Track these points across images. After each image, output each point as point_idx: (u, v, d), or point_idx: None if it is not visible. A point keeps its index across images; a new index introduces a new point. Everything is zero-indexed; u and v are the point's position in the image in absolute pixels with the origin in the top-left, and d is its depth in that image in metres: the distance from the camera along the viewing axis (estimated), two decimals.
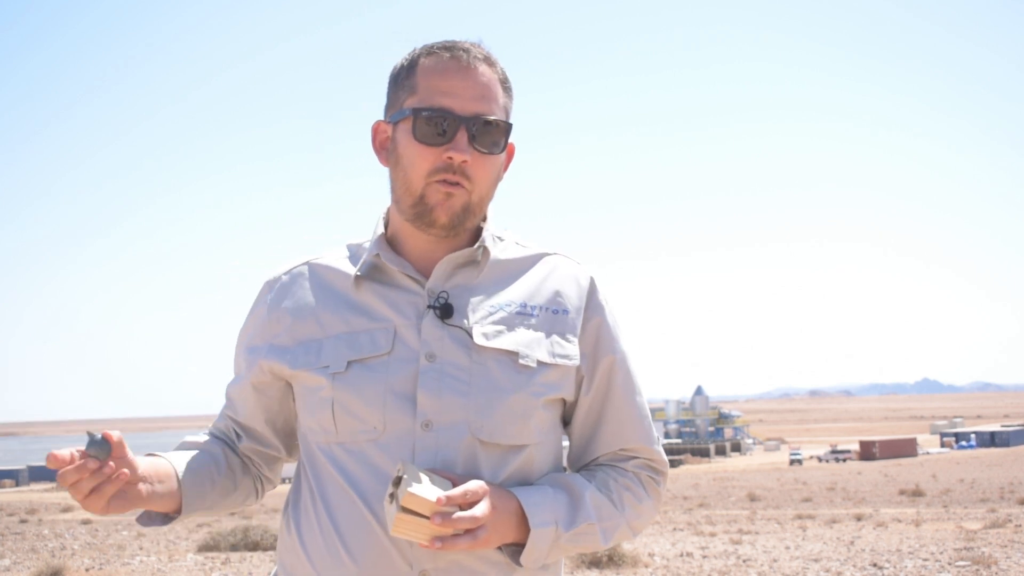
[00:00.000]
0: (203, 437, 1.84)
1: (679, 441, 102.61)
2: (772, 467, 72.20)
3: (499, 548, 1.61)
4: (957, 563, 12.05)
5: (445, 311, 1.66)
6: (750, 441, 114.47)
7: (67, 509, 39.88)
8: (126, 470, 1.50)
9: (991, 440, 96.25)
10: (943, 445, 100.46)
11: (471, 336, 1.65)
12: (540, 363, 1.67)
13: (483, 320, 1.67)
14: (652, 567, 12.52)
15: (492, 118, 1.66)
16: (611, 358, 1.76)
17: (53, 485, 72.36)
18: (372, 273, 1.73)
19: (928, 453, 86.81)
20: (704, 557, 13.95)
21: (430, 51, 1.69)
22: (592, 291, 1.77)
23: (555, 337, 1.70)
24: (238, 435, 1.85)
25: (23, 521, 28.96)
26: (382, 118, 1.76)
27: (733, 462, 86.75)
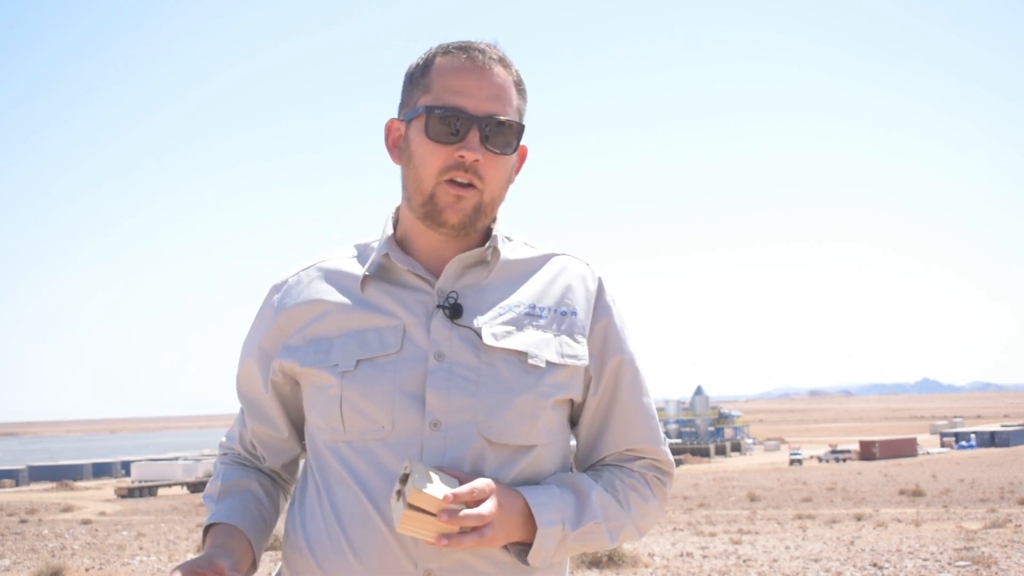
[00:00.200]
0: (237, 476, 1.84)
1: (679, 441, 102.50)
2: (772, 467, 72.20)
3: (505, 547, 1.62)
4: (957, 563, 12.05)
5: (454, 311, 1.67)
6: (750, 441, 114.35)
7: (67, 509, 39.89)
8: None
9: (991, 440, 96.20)
10: (943, 445, 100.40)
11: (480, 336, 1.66)
12: (549, 363, 1.67)
13: (492, 320, 1.68)
14: (652, 567, 12.53)
15: (505, 118, 1.66)
16: (619, 358, 1.76)
17: (53, 485, 72.36)
18: (381, 273, 1.73)
19: (928, 453, 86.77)
20: (704, 557, 13.95)
21: (446, 51, 1.70)
22: (600, 292, 1.78)
23: (563, 337, 1.71)
24: (262, 456, 1.87)
25: (23, 521, 28.96)
26: (396, 116, 1.77)
27: (733, 462, 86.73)
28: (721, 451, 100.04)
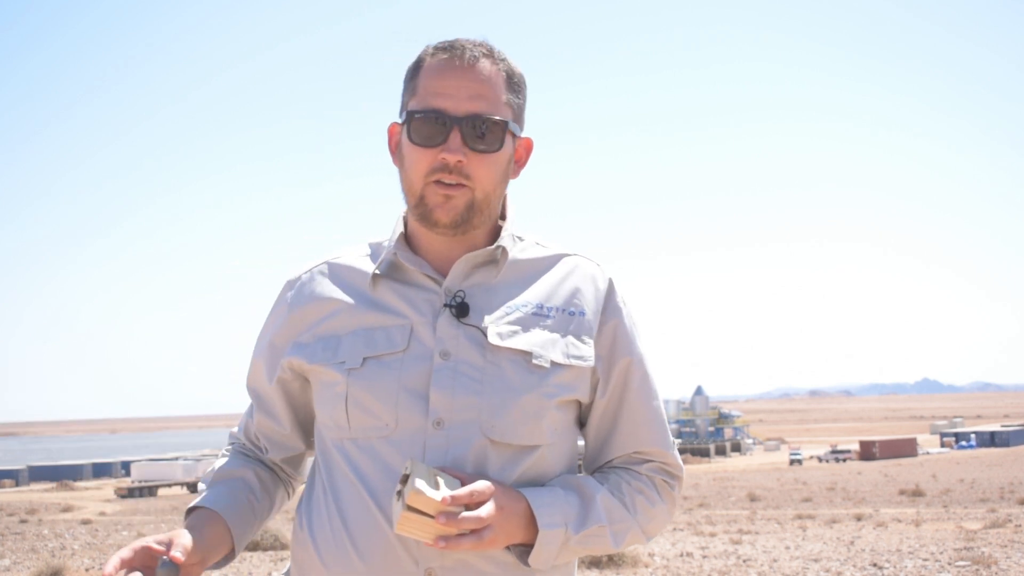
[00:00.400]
0: (234, 464, 1.85)
1: (679, 441, 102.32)
2: (772, 467, 72.19)
3: (508, 549, 1.62)
4: (957, 563, 12.05)
5: (461, 310, 1.67)
6: (750, 441, 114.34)
7: (67, 509, 39.88)
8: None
9: (991, 440, 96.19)
10: (943, 445, 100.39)
11: (486, 335, 1.66)
12: (554, 364, 1.67)
13: (499, 320, 1.68)
14: (652, 567, 12.53)
15: (487, 116, 1.65)
16: (627, 360, 1.75)
17: (53, 485, 72.38)
18: (391, 272, 1.74)
19: (928, 453, 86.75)
20: (704, 557, 13.95)
21: (432, 52, 1.70)
22: (610, 293, 1.77)
23: (570, 338, 1.70)
24: (264, 448, 1.88)
25: (23, 521, 28.94)
26: (398, 120, 1.78)
27: (733, 462, 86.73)
28: (721, 451, 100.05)
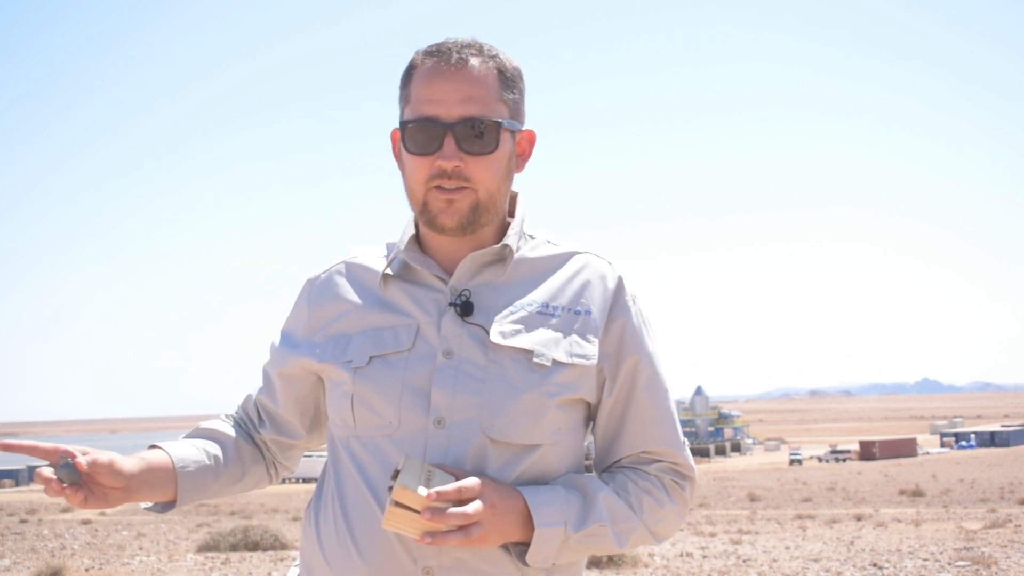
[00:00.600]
0: (219, 424, 1.91)
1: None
2: (772, 467, 72.20)
3: (507, 548, 1.62)
4: (957, 563, 12.05)
5: (465, 309, 1.68)
6: (750, 441, 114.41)
7: (67, 509, 39.86)
8: (81, 493, 1.62)
9: (991, 440, 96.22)
10: (943, 445, 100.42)
11: (488, 334, 1.67)
12: (556, 362, 1.67)
13: (502, 319, 1.68)
14: (652, 567, 12.53)
15: (479, 118, 1.65)
16: (635, 358, 1.74)
17: None
18: (401, 272, 1.76)
19: (928, 453, 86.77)
20: (704, 557, 13.95)
21: (421, 58, 1.71)
22: (619, 291, 1.76)
23: (575, 337, 1.70)
24: (261, 420, 1.92)
25: (23, 521, 28.96)
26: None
27: (733, 462, 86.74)
28: (721, 451, 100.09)
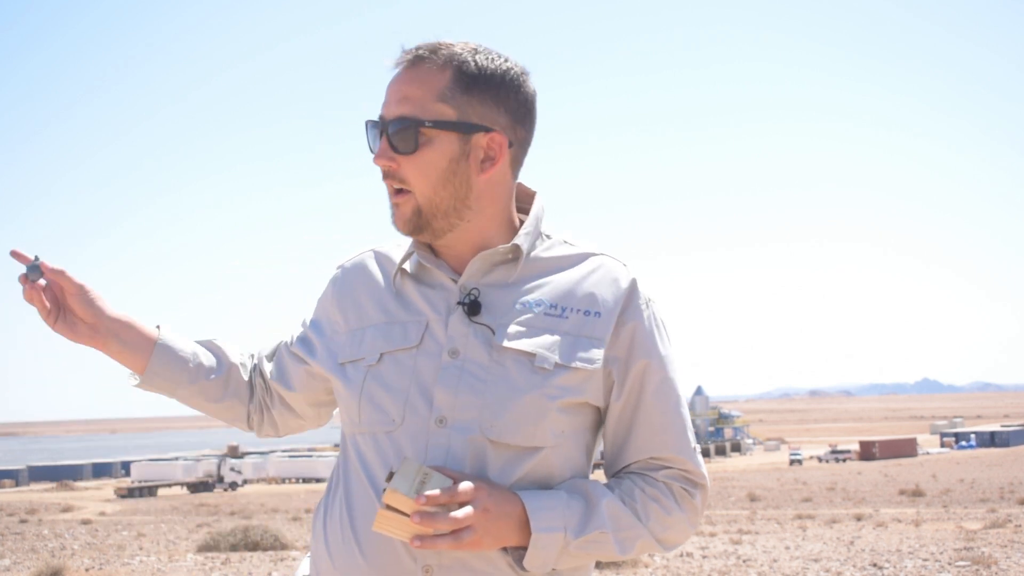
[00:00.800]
0: (225, 345, 1.95)
1: None
2: (772, 467, 72.23)
3: (507, 551, 1.61)
4: (957, 563, 12.05)
5: (472, 308, 1.67)
6: (750, 441, 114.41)
7: (67, 509, 39.89)
8: (43, 297, 1.76)
9: (991, 440, 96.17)
10: (943, 445, 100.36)
11: (495, 334, 1.66)
12: (558, 365, 1.65)
13: (509, 319, 1.67)
14: (652, 567, 12.53)
15: (405, 118, 1.65)
16: (644, 363, 1.70)
17: (53, 485, 72.41)
18: (415, 269, 1.77)
19: (928, 453, 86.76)
20: (704, 557, 13.95)
21: None
22: (631, 294, 1.72)
23: (581, 339, 1.67)
24: (273, 356, 1.95)
25: (23, 521, 28.97)
26: None
27: (733, 462, 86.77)
28: (721, 451, 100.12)
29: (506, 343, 1.65)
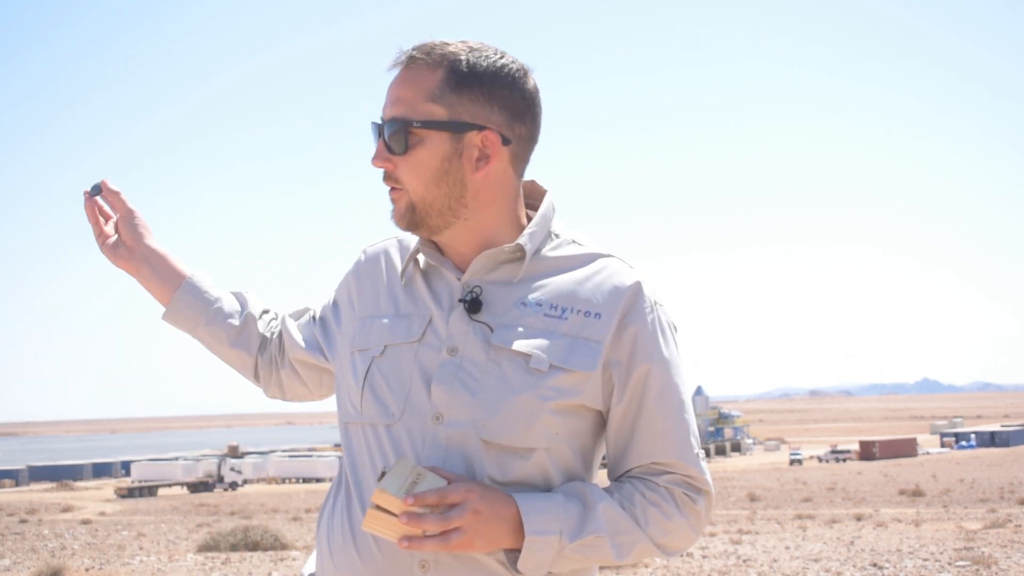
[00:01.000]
0: (251, 297, 2.03)
1: None
2: (772, 467, 72.22)
3: (505, 553, 1.60)
4: (957, 563, 12.05)
5: (473, 306, 1.67)
6: (750, 441, 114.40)
7: (67, 509, 39.89)
8: (97, 211, 1.96)
9: (991, 440, 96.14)
10: (943, 445, 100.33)
11: (493, 333, 1.66)
12: (552, 366, 1.64)
13: (508, 319, 1.67)
14: (652, 567, 12.53)
15: (397, 119, 1.67)
16: (646, 367, 1.68)
17: (53, 485, 72.38)
18: (425, 264, 1.78)
19: (928, 453, 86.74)
20: (704, 557, 13.95)
21: None
22: (635, 297, 1.70)
23: (579, 341, 1.66)
24: (297, 319, 1.99)
25: (23, 521, 28.97)
26: None
27: (733, 462, 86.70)
28: (721, 451, 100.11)
29: (503, 342, 1.65)
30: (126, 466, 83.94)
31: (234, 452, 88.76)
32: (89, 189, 1.94)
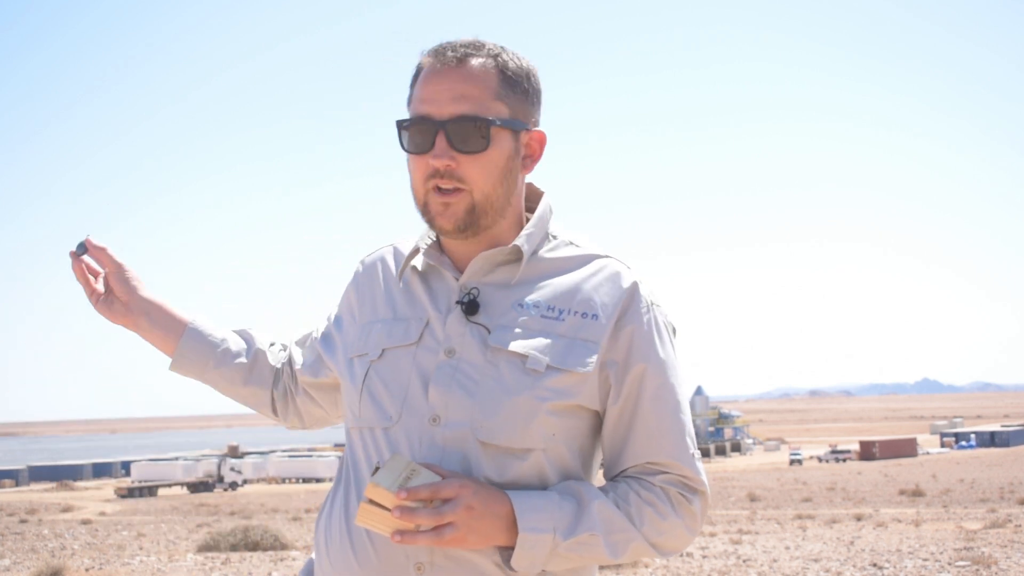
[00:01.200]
0: (255, 332, 2.01)
1: None
2: (772, 467, 72.23)
3: (499, 551, 1.61)
4: (957, 563, 12.06)
5: (470, 308, 1.68)
6: (750, 441, 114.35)
7: (67, 509, 39.89)
8: (84, 269, 1.91)
9: (991, 440, 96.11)
10: (943, 445, 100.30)
11: (490, 335, 1.66)
12: (549, 367, 1.64)
13: (505, 320, 1.68)
14: (652, 567, 12.53)
15: (470, 116, 1.64)
16: (642, 367, 1.68)
17: (53, 485, 72.38)
18: (424, 265, 1.78)
19: (928, 453, 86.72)
20: (704, 557, 13.96)
21: (424, 58, 1.72)
22: (632, 298, 1.71)
23: (576, 342, 1.66)
24: (302, 344, 2.00)
25: (23, 521, 28.97)
26: None
27: (733, 462, 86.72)
28: (721, 451, 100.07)
29: (500, 344, 1.65)
30: (126, 466, 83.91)
31: (234, 452, 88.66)
32: (75, 249, 1.91)
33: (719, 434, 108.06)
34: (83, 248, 1.91)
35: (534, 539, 1.57)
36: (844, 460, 79.41)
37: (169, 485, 64.82)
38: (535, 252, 1.74)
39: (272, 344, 2.01)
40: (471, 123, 1.64)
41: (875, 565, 12.42)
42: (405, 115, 1.78)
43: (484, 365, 1.65)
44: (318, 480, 70.44)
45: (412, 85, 1.73)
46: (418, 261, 1.78)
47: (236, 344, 1.96)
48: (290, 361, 1.99)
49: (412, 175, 1.70)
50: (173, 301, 1.94)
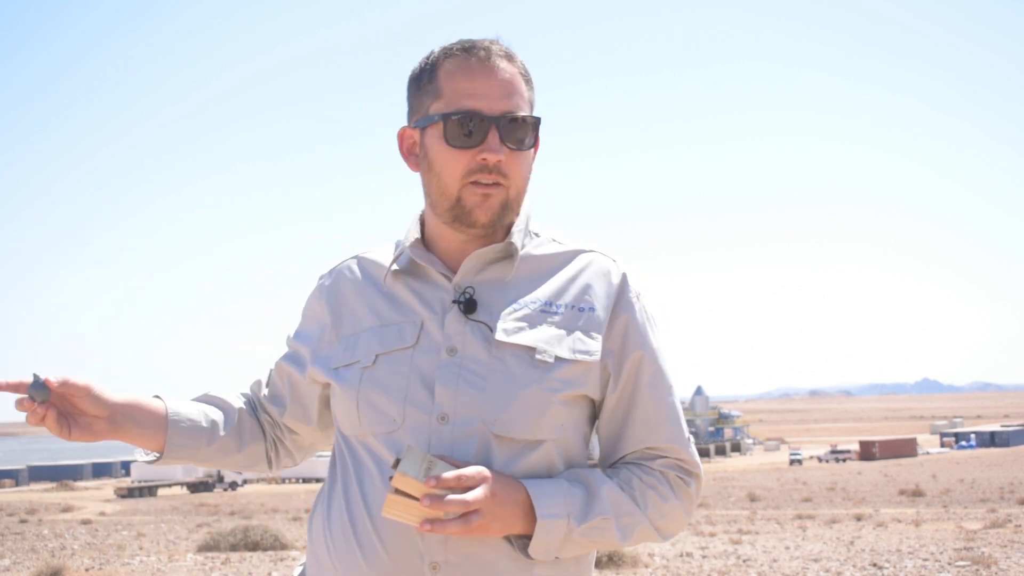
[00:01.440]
0: (225, 394, 1.93)
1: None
2: (772, 467, 72.24)
3: (510, 540, 1.62)
4: (957, 563, 12.06)
5: (469, 306, 1.69)
6: (750, 441, 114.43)
7: (67, 509, 39.89)
8: (53, 413, 1.66)
9: (991, 440, 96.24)
10: (943, 445, 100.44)
11: (492, 331, 1.68)
12: (558, 359, 1.67)
13: (506, 316, 1.69)
14: (652, 567, 12.54)
15: (521, 114, 1.69)
16: (639, 354, 1.74)
17: (53, 485, 72.38)
18: (407, 268, 1.78)
19: (928, 453, 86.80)
20: (704, 557, 13.96)
21: (449, 53, 1.71)
22: (623, 288, 1.77)
23: (578, 334, 1.70)
24: (268, 386, 1.94)
25: (23, 521, 28.97)
26: (406, 124, 1.79)
27: (733, 462, 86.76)
28: (721, 451, 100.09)
29: (505, 338, 1.67)
30: (126, 466, 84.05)
31: None
32: (31, 395, 1.63)
33: (719, 434, 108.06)
34: (45, 391, 1.63)
35: (551, 525, 1.59)
36: (844, 460, 79.46)
37: (169, 485, 64.80)
38: (522, 249, 1.77)
39: (243, 400, 1.95)
40: (523, 121, 1.69)
41: (875, 565, 12.42)
42: (405, 115, 1.80)
43: (489, 361, 1.66)
44: (318, 480, 70.42)
45: (431, 81, 1.72)
46: (397, 264, 1.78)
47: (216, 415, 1.88)
48: (267, 410, 1.94)
49: (448, 168, 1.69)
50: (137, 390, 1.83)
